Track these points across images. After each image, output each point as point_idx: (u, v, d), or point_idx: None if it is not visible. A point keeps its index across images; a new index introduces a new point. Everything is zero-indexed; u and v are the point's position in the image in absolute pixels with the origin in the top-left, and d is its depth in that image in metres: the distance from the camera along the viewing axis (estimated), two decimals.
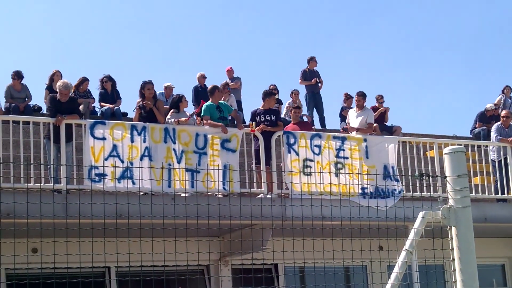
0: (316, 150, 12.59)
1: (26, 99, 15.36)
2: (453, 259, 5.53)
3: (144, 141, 11.71)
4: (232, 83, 17.21)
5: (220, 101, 12.76)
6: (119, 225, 9.13)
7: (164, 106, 13.05)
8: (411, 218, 11.72)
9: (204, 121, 12.34)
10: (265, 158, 12.12)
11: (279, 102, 17.79)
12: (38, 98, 15.88)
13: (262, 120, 12.65)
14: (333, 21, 41.37)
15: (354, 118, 14.02)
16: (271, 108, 13.18)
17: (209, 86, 13.41)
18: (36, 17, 37.44)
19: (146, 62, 38.31)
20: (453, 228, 5.51)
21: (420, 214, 5.59)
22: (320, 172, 11.96)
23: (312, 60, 18.88)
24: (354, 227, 9.89)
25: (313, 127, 16.07)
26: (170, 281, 11.40)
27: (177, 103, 12.71)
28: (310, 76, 18.68)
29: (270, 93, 13.45)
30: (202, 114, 12.58)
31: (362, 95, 14.13)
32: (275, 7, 39.90)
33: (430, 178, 10.95)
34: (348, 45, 40.88)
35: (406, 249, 5.85)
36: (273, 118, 12.83)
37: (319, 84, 18.88)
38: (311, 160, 12.48)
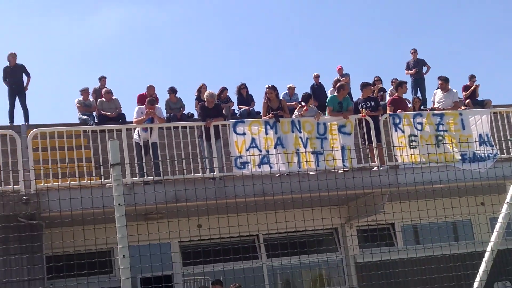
0: (419, 126, 12.54)
1: (181, 109, 16.11)
2: None
3: (276, 133, 12.04)
4: (342, 78, 17.24)
5: (345, 96, 12.84)
6: (264, 201, 9.63)
7: (288, 104, 13.41)
8: (509, 176, 11.60)
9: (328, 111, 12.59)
10: (376, 137, 12.23)
11: (383, 90, 17.75)
12: (190, 107, 16.52)
13: (364, 107, 12.61)
14: (430, 10, 40.08)
15: (439, 99, 13.89)
16: (370, 96, 13.12)
17: (337, 84, 13.65)
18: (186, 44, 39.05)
19: (270, 68, 39.13)
20: None
21: None
22: (425, 144, 11.96)
23: (414, 52, 18.71)
24: (459, 187, 9.89)
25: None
26: (309, 243, 11.81)
27: (307, 99, 12.97)
28: (413, 66, 18.50)
29: (366, 84, 13.34)
30: (326, 104, 12.81)
31: (444, 80, 13.92)
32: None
33: None
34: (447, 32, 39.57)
35: (507, 202, 5.87)
36: (373, 104, 12.77)
37: (423, 71, 18.69)
38: (415, 136, 12.44)
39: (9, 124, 15.14)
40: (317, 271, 12.87)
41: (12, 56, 15.79)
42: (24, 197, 10.26)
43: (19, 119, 15.68)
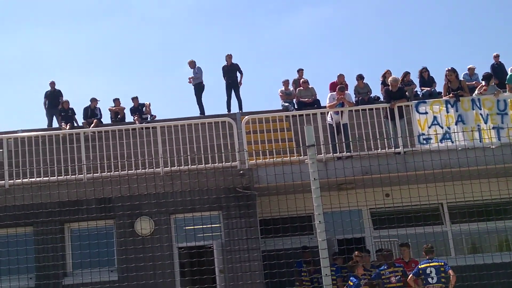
0: None
1: (368, 93, 16.44)
2: None
3: (457, 111, 12.01)
4: None
5: None
6: (446, 173, 9.83)
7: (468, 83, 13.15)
8: None
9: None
10: None
11: None
12: (376, 90, 16.69)
13: None
14: None
15: None
16: None
17: None
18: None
19: (450, 51, 37.24)
20: None
21: None
22: None
23: None
24: None
25: None
26: (494, 211, 11.64)
27: (489, 78, 12.67)
28: None
29: None
30: (506, 82, 12.37)
31: None
32: None
33: None
34: None
35: None
36: None
37: None
38: None
39: (227, 113, 16.73)
40: (503, 236, 12.59)
41: (228, 57, 17.46)
42: (241, 172, 11.52)
43: (234, 108, 17.19)
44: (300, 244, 11.40)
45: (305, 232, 10.62)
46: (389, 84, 12.77)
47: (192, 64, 17.44)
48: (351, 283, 10.37)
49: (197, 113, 17.10)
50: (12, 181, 11.66)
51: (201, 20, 44.29)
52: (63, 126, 16.22)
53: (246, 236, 11.39)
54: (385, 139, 12.08)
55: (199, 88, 17.38)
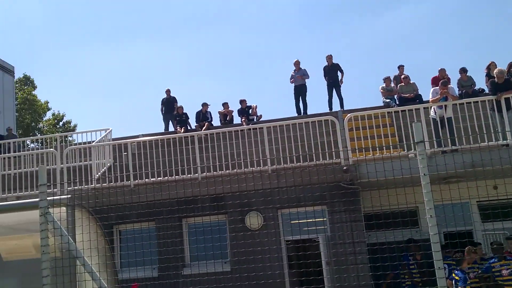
0: None
1: (472, 86, 15.68)
2: None
3: None
4: None
5: None
6: None
7: None
8: None
9: None
10: None
11: None
12: (480, 83, 15.98)
13: None
14: None
15: None
16: None
17: None
18: None
19: None
20: None
21: None
22: None
23: None
24: None
25: None
26: None
27: None
28: None
29: None
30: None
31: None
32: None
33: None
34: None
35: None
36: None
37: None
38: None
39: (328, 111, 16.79)
40: None
41: (329, 58, 17.43)
42: (344, 168, 11.52)
43: (336, 107, 17.18)
44: (403, 238, 11.19)
45: (408, 227, 10.36)
46: (495, 76, 12.14)
47: (297, 64, 17.57)
48: (457, 278, 9.97)
49: (294, 113, 17.23)
50: (137, 181, 12.46)
51: (301, 23, 44.50)
52: (178, 129, 17.05)
53: (351, 230, 11.37)
54: (492, 132, 11.52)
55: (301, 89, 17.48)
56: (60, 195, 5.14)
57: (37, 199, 4.75)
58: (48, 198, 4.68)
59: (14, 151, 16.49)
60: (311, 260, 11.09)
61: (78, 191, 10.65)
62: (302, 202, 11.31)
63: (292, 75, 17.54)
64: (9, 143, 16.89)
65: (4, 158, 14.41)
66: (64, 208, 5.23)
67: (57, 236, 4.50)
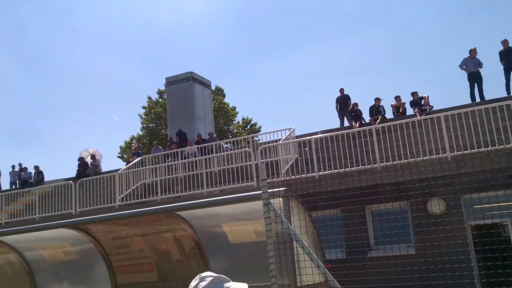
0: None
1: None
2: None
3: None
4: None
5: None
6: None
7: None
8: None
9: None
10: None
11: None
12: None
13: None
14: None
15: None
16: None
17: None
18: None
19: None
20: None
21: None
22: None
23: None
24: None
25: None
26: None
27: None
28: None
29: None
30: None
31: None
32: None
33: None
34: None
35: None
36: None
37: None
38: None
39: (506, 95, 15.30)
40: None
41: (504, 42, 15.96)
42: None
43: None
44: None
45: None
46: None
47: (473, 51, 16.41)
48: None
49: (460, 101, 16.02)
50: (321, 172, 12.78)
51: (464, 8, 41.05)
52: (353, 124, 17.02)
53: None
54: None
55: (477, 77, 16.25)
56: (278, 188, 5.56)
57: (259, 192, 5.20)
58: (268, 191, 5.09)
59: (216, 152, 18.00)
60: (496, 246, 10.29)
61: (293, 184, 11.27)
62: (486, 187, 10.53)
63: (464, 61, 16.40)
64: (211, 145, 18.50)
65: (211, 158, 15.84)
66: (281, 198, 5.65)
67: (278, 223, 4.88)
